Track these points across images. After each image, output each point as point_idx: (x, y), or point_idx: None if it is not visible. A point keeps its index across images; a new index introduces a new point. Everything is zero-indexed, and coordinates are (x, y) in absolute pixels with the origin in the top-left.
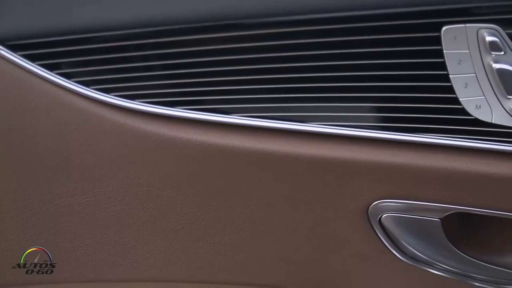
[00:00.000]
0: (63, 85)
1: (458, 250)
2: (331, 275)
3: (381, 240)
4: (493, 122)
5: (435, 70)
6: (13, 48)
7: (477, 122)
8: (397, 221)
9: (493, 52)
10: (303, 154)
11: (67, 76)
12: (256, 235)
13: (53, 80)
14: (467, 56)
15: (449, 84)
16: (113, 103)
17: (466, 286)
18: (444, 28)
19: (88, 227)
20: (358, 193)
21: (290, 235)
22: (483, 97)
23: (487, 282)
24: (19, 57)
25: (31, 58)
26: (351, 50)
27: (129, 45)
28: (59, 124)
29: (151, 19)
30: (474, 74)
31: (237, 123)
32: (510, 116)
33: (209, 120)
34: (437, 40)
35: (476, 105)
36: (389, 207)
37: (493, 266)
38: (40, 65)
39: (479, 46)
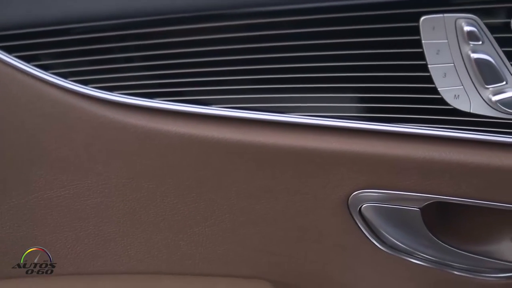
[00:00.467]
0: (40, 77)
1: (437, 239)
2: (312, 265)
3: (361, 230)
4: (471, 111)
5: (414, 60)
6: None
7: (456, 111)
8: (377, 211)
9: (471, 42)
10: (283, 145)
11: (44, 68)
12: (236, 226)
13: (31, 72)
14: (445, 46)
15: (428, 74)
16: (91, 95)
17: (445, 274)
18: (422, 18)
19: (67, 220)
20: (338, 183)
21: (270, 226)
22: (462, 86)
23: (466, 270)
24: None
25: (8, 50)
26: (330, 40)
27: (107, 36)
28: (37, 117)
29: (129, 9)
30: (453, 64)
31: (217, 114)
32: (488, 106)
33: (189, 111)
34: (416, 30)
35: (455, 95)
36: (369, 197)
37: (471, 255)
38: (17, 56)
39: (457, 36)
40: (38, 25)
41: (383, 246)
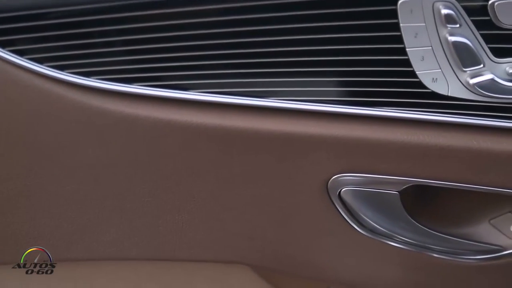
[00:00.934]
0: (15, 62)
1: (416, 222)
2: (292, 249)
3: (340, 214)
4: (449, 94)
5: (392, 44)
6: None
7: (434, 95)
8: (357, 195)
9: (448, 25)
10: (262, 130)
11: (19, 53)
12: (216, 212)
13: (5, 58)
14: (423, 29)
15: (406, 57)
16: (68, 80)
17: (424, 257)
18: (400, 1)
19: (45, 207)
20: (317, 167)
21: (250, 211)
22: (439, 70)
23: (445, 253)
24: None
25: None
26: (308, 24)
27: (84, 20)
28: (12, 103)
29: None
30: (431, 47)
31: (196, 99)
32: (465, 89)
33: (167, 96)
34: (394, 14)
35: (433, 78)
36: (348, 181)
37: (450, 237)
38: None
39: (435, 19)
40: (13, 9)
41: (362, 229)
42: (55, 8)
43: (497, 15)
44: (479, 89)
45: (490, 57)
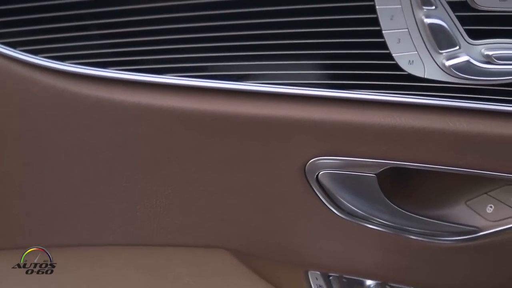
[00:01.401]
0: None
1: (394, 204)
2: (270, 233)
3: (318, 197)
4: (425, 77)
5: (368, 26)
6: None
7: (410, 77)
8: (334, 178)
9: (424, 7)
10: (239, 114)
11: None
12: (194, 197)
13: None
14: (399, 12)
15: (382, 40)
16: (41, 64)
17: (402, 239)
18: None
19: (22, 194)
20: (295, 151)
21: (229, 195)
22: (416, 52)
23: (422, 235)
24: None
25: None
26: (286, 7)
27: (57, 4)
28: None
29: None
30: (407, 30)
31: (173, 83)
32: (441, 71)
33: (143, 80)
34: None
35: (409, 61)
36: (326, 164)
37: (427, 219)
38: None
39: (411, 1)
40: None
41: (340, 212)
42: None
43: None
44: (455, 71)
45: (466, 39)
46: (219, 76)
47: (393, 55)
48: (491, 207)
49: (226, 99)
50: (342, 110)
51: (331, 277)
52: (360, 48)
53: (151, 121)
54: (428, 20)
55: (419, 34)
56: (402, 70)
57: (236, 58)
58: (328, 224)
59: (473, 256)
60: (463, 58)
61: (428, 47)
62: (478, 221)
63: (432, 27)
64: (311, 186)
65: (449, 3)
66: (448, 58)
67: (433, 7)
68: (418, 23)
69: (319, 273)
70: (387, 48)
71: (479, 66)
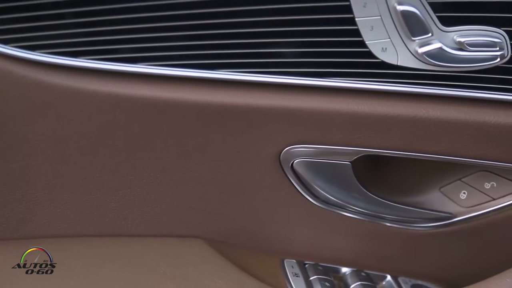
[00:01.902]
0: None
1: (368, 191)
2: (246, 222)
3: (293, 185)
4: (398, 64)
5: (341, 14)
6: None
7: (384, 64)
8: (309, 166)
9: None
10: (213, 102)
11: None
12: (169, 186)
13: None
14: None
15: (355, 27)
16: (12, 54)
17: (377, 226)
18: None
19: None
20: (270, 139)
21: (203, 184)
22: (389, 39)
23: (396, 221)
24: None
25: None
26: None
27: None
28: None
29: None
30: (380, 17)
31: (144, 72)
32: (414, 58)
33: (114, 70)
34: None
35: (382, 48)
36: (300, 153)
37: (402, 206)
38: None
39: None
40: None
41: (315, 200)
42: None
43: None
44: (428, 58)
45: (438, 26)
46: (191, 65)
47: (366, 42)
48: (464, 193)
49: (199, 88)
50: (316, 98)
51: (306, 265)
52: (334, 36)
53: (124, 111)
54: (400, 7)
55: (391, 22)
56: (375, 57)
57: (208, 47)
58: (303, 212)
59: (447, 242)
60: (435, 45)
61: (401, 34)
62: (452, 207)
63: (405, 14)
64: (286, 175)
65: None
66: (421, 45)
67: None
68: (390, 10)
69: (294, 261)
70: (360, 36)
71: (451, 53)
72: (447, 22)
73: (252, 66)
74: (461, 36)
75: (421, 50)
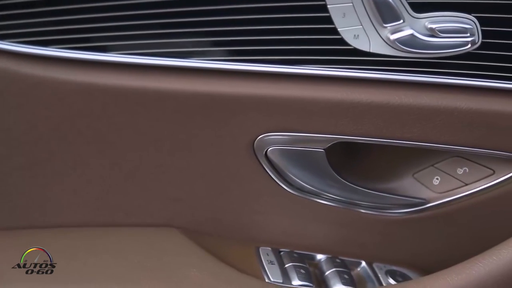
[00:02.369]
0: None
1: (343, 179)
2: (220, 211)
3: (268, 173)
4: (371, 51)
5: (313, 1)
6: None
7: (356, 51)
8: (283, 154)
9: None
10: (186, 91)
11: None
12: (144, 176)
13: None
14: None
15: (327, 14)
16: None
17: (352, 213)
18: None
19: None
20: (243, 127)
21: (177, 173)
22: (361, 26)
23: (371, 208)
24: None
25: None
26: None
27: None
28: None
29: None
30: (351, 4)
31: (114, 61)
32: (387, 45)
33: (85, 59)
34: None
35: (354, 35)
36: (274, 140)
37: (376, 193)
38: None
39: None
40: None
41: (290, 188)
42: None
43: None
44: (400, 45)
45: (410, 12)
46: (163, 54)
47: (339, 29)
48: (437, 179)
49: (171, 77)
50: (290, 85)
51: (282, 253)
52: (306, 23)
53: (95, 100)
54: None
55: (363, 8)
56: (347, 44)
57: (181, 35)
58: (278, 200)
59: (421, 228)
60: (407, 32)
61: (373, 21)
62: (425, 193)
63: (376, 1)
64: (260, 163)
65: None
66: (393, 32)
67: None
68: None
69: (270, 249)
70: (332, 23)
71: (423, 40)
72: (419, 8)
73: (225, 54)
74: (433, 22)
75: (393, 36)
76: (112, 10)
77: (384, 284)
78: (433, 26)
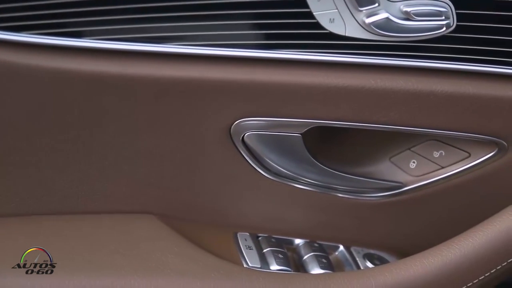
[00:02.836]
0: None
1: (319, 163)
2: (198, 197)
3: (245, 158)
4: (346, 35)
5: None
6: None
7: (332, 35)
8: (260, 139)
9: None
10: (162, 77)
11: None
12: (119, 162)
13: None
14: None
15: None
16: None
17: (329, 197)
18: None
19: None
20: (220, 113)
21: (154, 159)
22: (336, 10)
23: (348, 192)
24: None
25: None
26: None
27: None
28: None
29: None
30: None
31: (93, 47)
32: (362, 28)
33: (60, 45)
34: None
35: (330, 19)
36: (251, 125)
37: (353, 177)
38: None
39: None
40: None
41: (267, 173)
42: None
43: None
44: (375, 28)
45: None
46: (138, 39)
47: (314, 13)
48: (414, 162)
49: (147, 62)
50: (266, 70)
51: (260, 238)
52: (281, 8)
53: (70, 87)
54: None
55: None
56: (323, 28)
57: (155, 20)
58: (255, 185)
59: (398, 211)
60: (382, 15)
61: (348, 5)
62: (402, 177)
63: None
64: (237, 148)
65: None
66: (368, 16)
67: None
68: None
69: (248, 234)
70: (307, 7)
71: (398, 23)
72: None
73: (200, 39)
74: (407, 6)
75: (368, 20)
76: None
77: (362, 268)
78: (408, 9)
